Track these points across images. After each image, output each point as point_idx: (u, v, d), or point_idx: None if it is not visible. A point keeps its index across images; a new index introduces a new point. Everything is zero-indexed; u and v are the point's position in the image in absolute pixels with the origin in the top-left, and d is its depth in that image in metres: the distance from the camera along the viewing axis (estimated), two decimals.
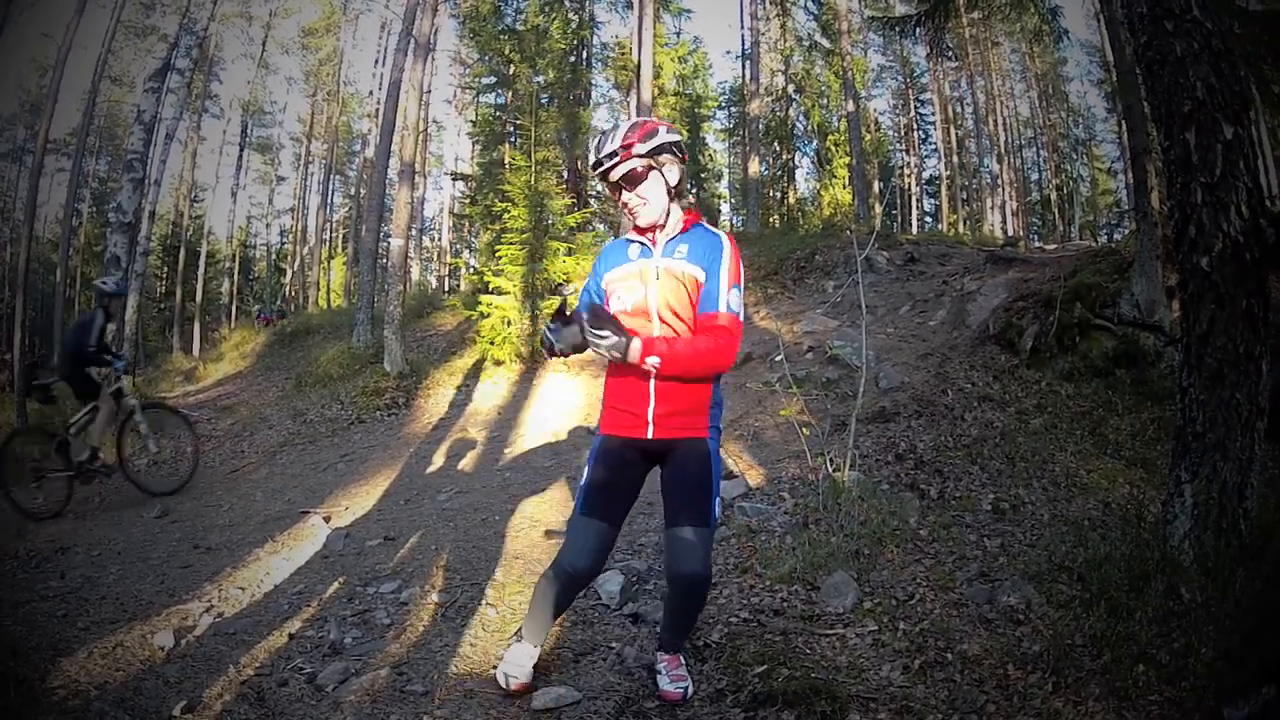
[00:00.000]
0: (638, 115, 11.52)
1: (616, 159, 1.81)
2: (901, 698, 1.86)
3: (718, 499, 1.93)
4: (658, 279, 1.87)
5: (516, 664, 2.06)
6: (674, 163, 1.87)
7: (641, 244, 1.93)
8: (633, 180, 1.84)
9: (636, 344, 1.73)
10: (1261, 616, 1.84)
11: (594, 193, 12.97)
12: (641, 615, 2.55)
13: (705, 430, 1.92)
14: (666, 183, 1.87)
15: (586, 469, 1.95)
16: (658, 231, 1.91)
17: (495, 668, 2.13)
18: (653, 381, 1.86)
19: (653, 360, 1.74)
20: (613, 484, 1.91)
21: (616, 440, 1.93)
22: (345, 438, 6.79)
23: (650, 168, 1.84)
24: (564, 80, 13.49)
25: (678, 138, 1.87)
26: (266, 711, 2.02)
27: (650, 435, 1.88)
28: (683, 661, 2.07)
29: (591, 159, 1.90)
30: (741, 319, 1.85)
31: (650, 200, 1.86)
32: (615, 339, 1.71)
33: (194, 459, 5.82)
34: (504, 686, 2.04)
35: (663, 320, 1.86)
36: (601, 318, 1.73)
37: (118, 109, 21.62)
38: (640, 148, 1.81)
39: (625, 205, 1.89)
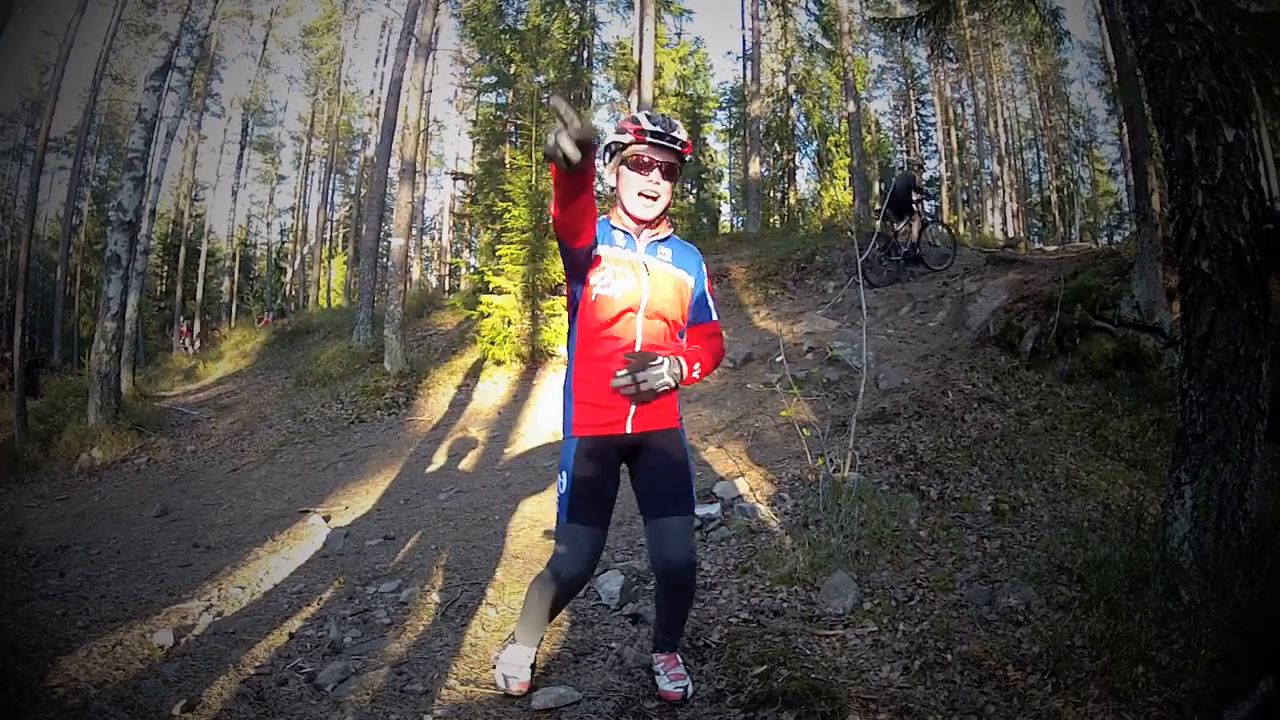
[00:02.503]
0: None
1: (677, 146, 1.84)
2: (901, 698, 1.85)
3: (694, 486, 1.95)
4: (649, 274, 1.88)
5: (515, 665, 2.06)
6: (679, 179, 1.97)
7: (626, 234, 1.92)
8: (669, 173, 1.87)
9: (680, 365, 1.87)
10: (1261, 618, 1.84)
11: (595, 192, 12.95)
12: (641, 615, 2.55)
13: (676, 420, 1.95)
14: (673, 191, 1.93)
15: (564, 476, 1.88)
16: (644, 228, 1.91)
17: (494, 668, 2.13)
18: None
19: (697, 371, 1.90)
20: (598, 487, 1.88)
21: (593, 441, 1.87)
22: (345, 437, 6.79)
23: (678, 171, 1.89)
24: (565, 80, 13.50)
25: None
26: (266, 710, 2.02)
27: (629, 430, 1.87)
28: (680, 661, 2.07)
29: (648, 125, 1.80)
30: None
31: (664, 198, 1.88)
32: (669, 368, 1.83)
33: (955, 249, 8.56)
34: (504, 688, 2.04)
35: (648, 316, 1.87)
36: (644, 358, 1.83)
37: (119, 107, 21.64)
38: (688, 156, 1.89)
39: (648, 188, 1.84)
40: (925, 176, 24.21)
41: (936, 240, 8.85)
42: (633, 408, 1.85)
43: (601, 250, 1.85)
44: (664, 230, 1.95)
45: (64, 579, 3.41)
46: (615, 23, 35.86)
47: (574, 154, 1.41)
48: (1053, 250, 9.71)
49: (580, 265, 1.83)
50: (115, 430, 6.94)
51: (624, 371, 1.81)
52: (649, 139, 1.81)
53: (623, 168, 1.87)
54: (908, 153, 25.65)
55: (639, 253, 1.90)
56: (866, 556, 2.72)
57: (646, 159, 1.83)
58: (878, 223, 7.98)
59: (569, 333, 1.94)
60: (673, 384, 1.83)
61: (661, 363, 1.82)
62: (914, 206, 8.49)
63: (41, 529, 4.63)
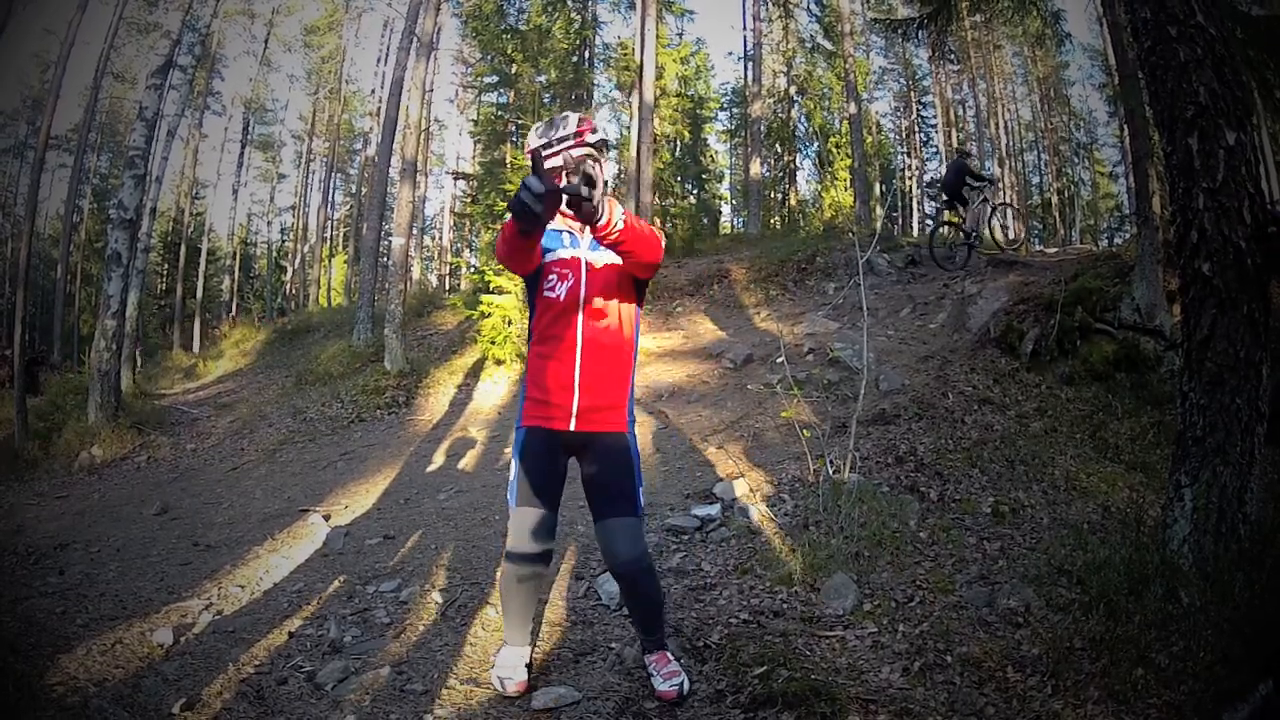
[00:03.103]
0: (639, 116, 11.52)
1: (569, 144, 1.85)
2: (901, 700, 1.86)
3: (642, 488, 1.98)
4: (585, 270, 1.93)
5: (510, 666, 2.07)
6: (607, 159, 1.96)
7: (570, 233, 1.98)
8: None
9: (616, 207, 1.67)
10: (1260, 621, 1.84)
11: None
12: None
13: (624, 425, 1.98)
14: (605, 176, 1.88)
15: (514, 464, 1.98)
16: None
17: (491, 669, 2.13)
18: (577, 370, 1.90)
19: (619, 216, 1.66)
20: (542, 475, 1.95)
21: (539, 433, 1.95)
22: (345, 436, 6.78)
23: (596, 159, 1.88)
24: (566, 80, 13.49)
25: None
26: (266, 709, 2.02)
27: (572, 428, 1.92)
28: (671, 658, 2.07)
29: (535, 141, 1.90)
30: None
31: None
32: (599, 195, 1.58)
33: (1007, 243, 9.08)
34: (502, 690, 2.04)
35: (589, 311, 1.92)
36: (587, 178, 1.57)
37: (119, 105, 21.63)
38: (590, 137, 1.90)
39: None
40: (927, 178, 24.29)
41: (1000, 227, 9.13)
42: (574, 406, 1.89)
43: (551, 255, 1.95)
44: None
45: (63, 577, 3.41)
46: (616, 23, 35.95)
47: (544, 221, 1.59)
48: (1053, 252, 9.71)
49: (531, 281, 1.97)
50: (115, 428, 6.93)
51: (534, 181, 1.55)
52: (543, 153, 1.80)
53: None
54: (909, 153, 25.69)
55: (581, 249, 1.96)
56: (866, 558, 2.72)
57: (553, 170, 1.84)
58: (946, 212, 8.52)
59: (527, 332, 2.04)
60: (599, 182, 1.58)
61: (594, 192, 1.58)
62: (966, 194, 8.41)
63: (41, 527, 4.62)
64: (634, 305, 2.01)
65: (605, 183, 1.64)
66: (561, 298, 1.92)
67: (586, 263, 1.94)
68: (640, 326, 2.08)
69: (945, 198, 8.67)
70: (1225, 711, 1.60)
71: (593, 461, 1.96)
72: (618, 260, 1.90)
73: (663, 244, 1.92)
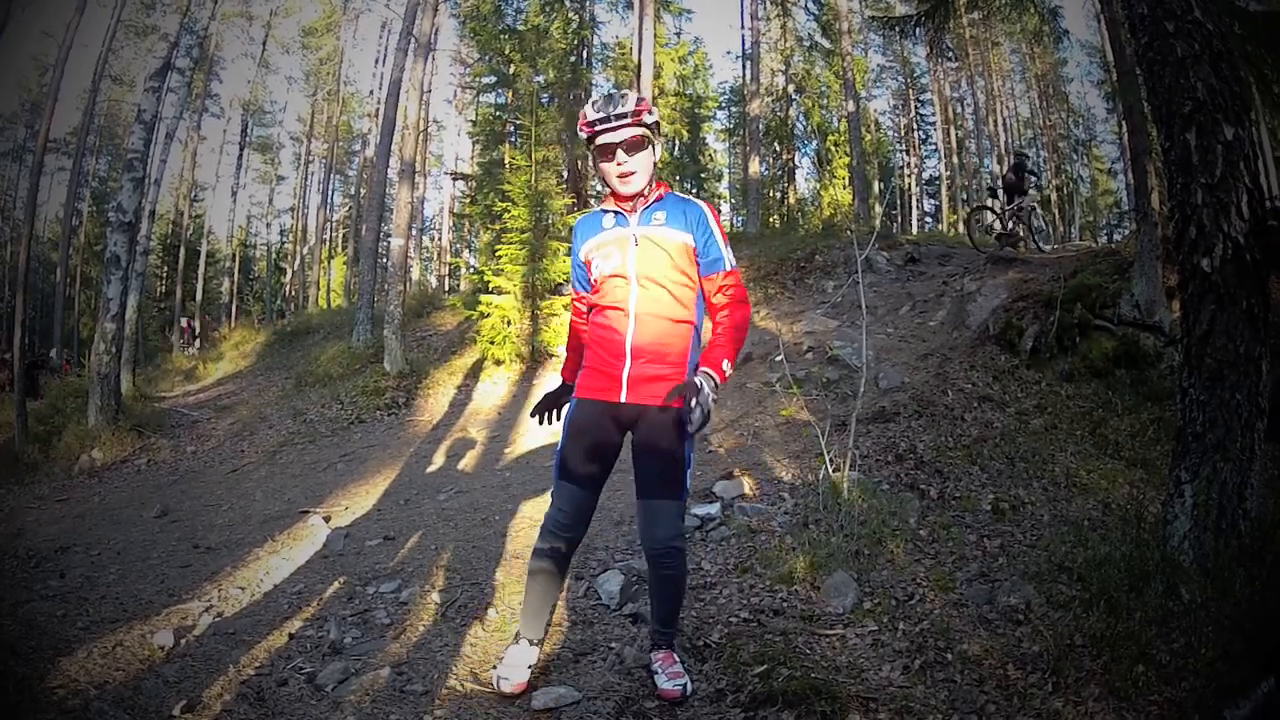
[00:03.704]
0: None
1: (628, 120, 1.84)
2: (901, 698, 1.85)
3: (690, 469, 1.95)
4: (636, 245, 1.92)
5: (513, 666, 2.06)
6: (659, 141, 1.96)
7: (617, 213, 1.97)
8: (634, 146, 1.88)
9: (712, 378, 1.81)
10: (1262, 617, 1.84)
11: (594, 192, 12.96)
12: (641, 615, 2.54)
13: (679, 398, 1.92)
14: (654, 158, 1.93)
15: (563, 435, 1.97)
16: (638, 201, 1.94)
17: (494, 668, 2.13)
18: (629, 339, 1.89)
19: (727, 368, 1.84)
20: (589, 447, 1.93)
21: (589, 404, 1.95)
22: (345, 437, 6.78)
23: (648, 140, 1.89)
24: (564, 80, 13.48)
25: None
26: (266, 711, 2.02)
27: (623, 399, 1.90)
28: (676, 658, 2.06)
29: (592, 115, 1.86)
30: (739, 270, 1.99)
31: (642, 170, 1.90)
32: (706, 395, 1.76)
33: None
34: (499, 689, 2.04)
35: (639, 283, 1.91)
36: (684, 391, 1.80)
37: (118, 108, 21.62)
38: (647, 118, 1.87)
39: (618, 170, 1.89)
40: (926, 175, 24.27)
41: (1045, 223, 9.63)
42: (625, 375, 1.90)
43: (585, 248, 2.01)
44: (655, 194, 1.97)
45: (64, 580, 3.41)
46: (614, 22, 35.92)
47: None
48: (1052, 249, 9.71)
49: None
50: (115, 431, 6.94)
51: (693, 417, 1.77)
52: (598, 128, 1.85)
53: (596, 160, 1.94)
54: (907, 151, 25.68)
55: (630, 227, 1.94)
56: (866, 556, 2.72)
57: (607, 145, 1.88)
58: (994, 203, 9.04)
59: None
60: (713, 395, 1.80)
61: (699, 388, 1.78)
62: (1027, 188, 8.98)
63: (42, 530, 4.62)
64: (692, 279, 1.94)
65: (709, 409, 1.77)
66: (610, 273, 1.93)
67: (636, 237, 1.93)
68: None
69: (1005, 194, 9.10)
70: (1227, 708, 1.60)
71: (644, 436, 1.91)
72: (666, 231, 1.91)
73: (743, 303, 1.94)
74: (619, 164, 1.88)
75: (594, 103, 1.90)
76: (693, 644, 2.27)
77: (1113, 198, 23.12)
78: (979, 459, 3.74)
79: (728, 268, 1.93)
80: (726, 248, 1.94)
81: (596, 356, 1.96)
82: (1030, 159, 10.51)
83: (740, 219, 18.41)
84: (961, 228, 9.16)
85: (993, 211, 9.12)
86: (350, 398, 7.66)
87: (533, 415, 2.13)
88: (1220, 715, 1.60)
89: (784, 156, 18.75)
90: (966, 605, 2.34)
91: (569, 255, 2.18)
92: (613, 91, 1.94)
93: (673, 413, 1.89)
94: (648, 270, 1.91)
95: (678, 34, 18.54)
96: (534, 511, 3.81)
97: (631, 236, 1.93)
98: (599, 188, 12.06)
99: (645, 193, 1.94)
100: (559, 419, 2.07)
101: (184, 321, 19.95)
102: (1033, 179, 9.20)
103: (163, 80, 8.00)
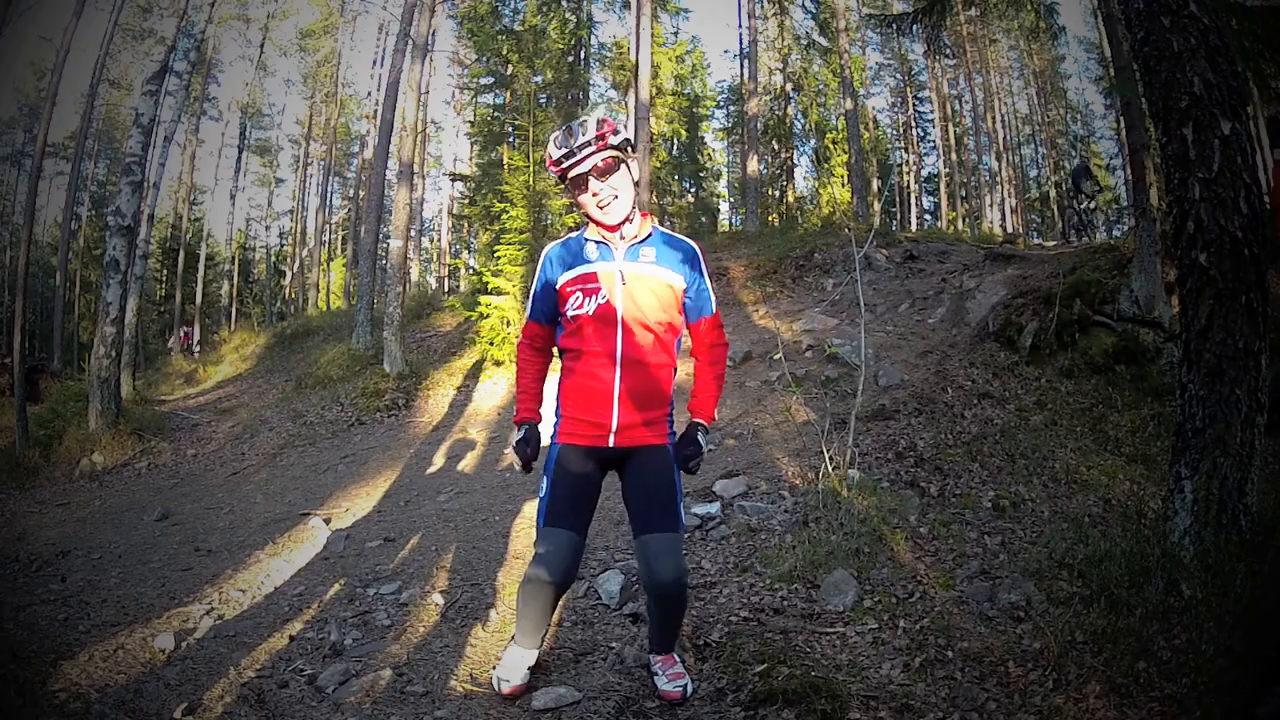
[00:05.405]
0: (636, 115, 11.50)
1: (592, 149, 1.78)
2: (902, 695, 1.85)
3: (683, 501, 1.92)
4: (623, 283, 1.84)
5: (511, 667, 2.05)
6: (634, 159, 1.89)
7: (600, 243, 1.88)
8: (605, 171, 1.81)
9: (704, 434, 1.96)
10: (1262, 612, 1.84)
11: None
12: (641, 615, 2.54)
13: (665, 437, 1.93)
14: (633, 176, 1.87)
15: (545, 480, 1.91)
16: (625, 227, 1.87)
17: (493, 669, 2.13)
18: (616, 388, 1.84)
19: (716, 415, 1.97)
20: (575, 493, 1.88)
21: (575, 449, 1.89)
22: (345, 439, 6.79)
23: (620, 160, 1.83)
24: (562, 80, 13.49)
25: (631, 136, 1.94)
26: (267, 713, 2.02)
27: (612, 444, 1.87)
28: (677, 660, 2.06)
29: (555, 153, 1.80)
30: None
31: (621, 194, 1.83)
32: (700, 438, 1.96)
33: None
34: (498, 690, 2.04)
35: (626, 326, 1.83)
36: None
37: (116, 112, 21.64)
38: (613, 139, 1.80)
39: (594, 199, 1.82)
40: (924, 173, 24.27)
41: (1097, 221, 11.45)
42: (614, 423, 1.86)
43: (562, 279, 1.88)
44: (645, 229, 1.91)
45: (65, 583, 3.41)
46: (612, 22, 35.96)
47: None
48: (1051, 245, 9.71)
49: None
50: (116, 435, 6.94)
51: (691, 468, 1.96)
52: (564, 164, 1.80)
53: (572, 194, 1.88)
54: (905, 149, 25.67)
55: (616, 261, 1.86)
56: (866, 554, 2.72)
57: (579, 177, 1.82)
58: (1070, 202, 10.69)
59: (558, 347, 1.99)
60: (706, 446, 1.98)
61: (700, 449, 1.95)
62: (1084, 190, 10.45)
63: (43, 534, 4.62)
64: (676, 316, 1.90)
65: (703, 454, 1.96)
66: (591, 313, 1.83)
67: (623, 274, 1.84)
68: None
69: (1072, 191, 10.78)
70: (1262, 706, 1.55)
71: (634, 474, 1.88)
72: (656, 271, 1.86)
73: (725, 346, 2.01)
74: (594, 193, 1.81)
75: (554, 138, 1.82)
76: (693, 643, 2.27)
77: (1111, 193, 23.09)
78: (979, 456, 3.74)
79: (713, 310, 1.97)
80: (711, 288, 1.96)
81: (579, 406, 1.87)
82: (1090, 168, 12.26)
83: (739, 218, 18.42)
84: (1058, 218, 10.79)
85: (1077, 210, 10.59)
86: (350, 399, 7.66)
87: (526, 473, 2.06)
88: (1253, 714, 1.56)
89: (782, 155, 18.72)
90: (967, 602, 2.34)
91: None
92: (571, 123, 1.83)
93: (663, 449, 1.90)
94: (636, 312, 1.83)
95: (675, 33, 18.52)
96: (534, 512, 3.81)
97: (618, 273, 1.84)
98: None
99: (630, 218, 1.87)
100: (536, 459, 1.99)
101: (183, 332, 19.90)
102: (1092, 181, 10.86)
103: (160, 83, 8.00)
